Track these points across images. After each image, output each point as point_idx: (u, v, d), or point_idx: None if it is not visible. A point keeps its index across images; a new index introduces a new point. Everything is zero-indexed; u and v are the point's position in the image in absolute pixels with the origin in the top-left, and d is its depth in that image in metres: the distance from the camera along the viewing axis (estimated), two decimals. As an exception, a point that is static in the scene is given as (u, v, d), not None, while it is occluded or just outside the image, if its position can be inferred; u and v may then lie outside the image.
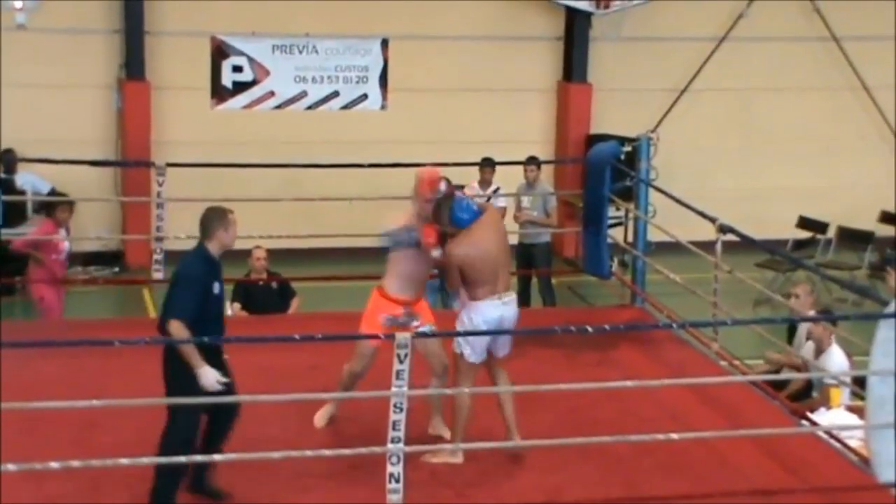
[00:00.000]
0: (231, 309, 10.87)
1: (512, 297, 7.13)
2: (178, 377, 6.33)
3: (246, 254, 11.01)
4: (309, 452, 6.28)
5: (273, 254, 11.18)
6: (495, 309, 6.99)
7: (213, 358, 6.39)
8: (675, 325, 7.47)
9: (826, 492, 6.94)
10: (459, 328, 6.98)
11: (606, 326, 7.07)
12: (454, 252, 6.99)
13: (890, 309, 6.41)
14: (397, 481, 6.01)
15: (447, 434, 7.17)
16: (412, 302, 7.28)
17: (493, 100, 15.66)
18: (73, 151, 12.49)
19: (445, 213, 7.12)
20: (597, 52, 15.92)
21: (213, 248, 6.55)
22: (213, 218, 6.59)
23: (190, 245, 11.38)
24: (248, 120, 15.21)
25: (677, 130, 15.22)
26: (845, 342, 8.84)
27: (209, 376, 6.21)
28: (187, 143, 14.52)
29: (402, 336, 5.93)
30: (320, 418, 7.55)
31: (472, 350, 6.95)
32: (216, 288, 6.49)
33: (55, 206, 10.72)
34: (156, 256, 9.94)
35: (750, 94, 16.27)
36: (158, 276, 9.96)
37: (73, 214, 11.02)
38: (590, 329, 6.78)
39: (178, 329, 6.29)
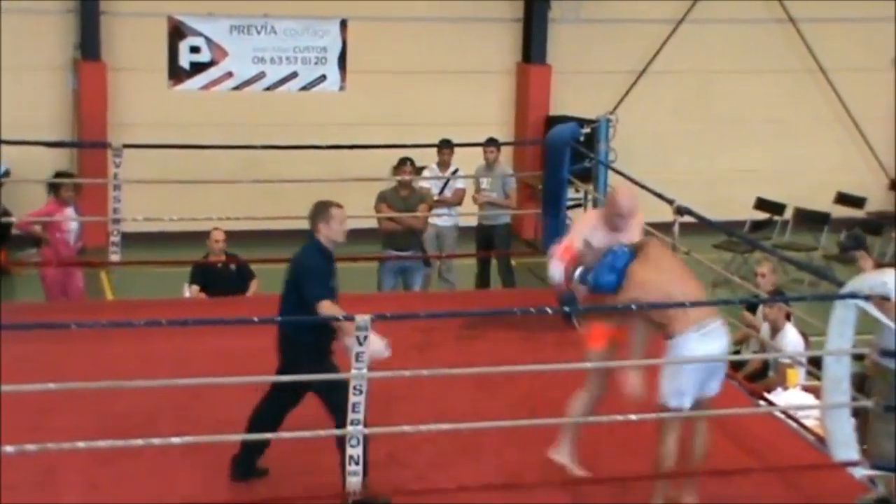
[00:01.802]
0: (189, 291, 10.81)
1: (716, 326, 6.29)
2: (304, 362, 6.30)
3: (204, 235, 10.95)
4: (268, 435, 6.24)
5: (231, 235, 11.12)
6: (697, 343, 6.21)
7: (325, 350, 6.42)
8: (633, 307, 7.41)
9: (783, 471, 7.00)
10: (666, 376, 6.30)
11: (566, 308, 7.01)
12: (633, 280, 6.27)
13: (845, 290, 6.45)
14: (357, 463, 5.99)
15: (573, 469, 6.67)
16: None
17: (451, 81, 15.63)
18: (28, 133, 12.36)
19: (585, 282, 6.39)
20: (556, 33, 15.92)
21: (323, 240, 6.55)
22: (316, 212, 6.59)
23: (147, 227, 11.45)
24: (206, 101, 15.10)
25: (636, 112, 15.26)
26: (801, 322, 8.90)
27: (376, 345, 6.07)
28: (145, 124, 14.40)
29: (361, 318, 5.86)
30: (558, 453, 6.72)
31: (677, 394, 6.26)
32: (331, 282, 6.49)
33: (59, 186, 10.64)
34: (113, 238, 9.84)
35: (708, 77, 16.33)
36: (115, 258, 9.88)
37: (78, 193, 10.96)
38: (549, 310, 6.77)
39: (329, 307, 6.25)
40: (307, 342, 6.46)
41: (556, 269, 6.54)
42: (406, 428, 6.30)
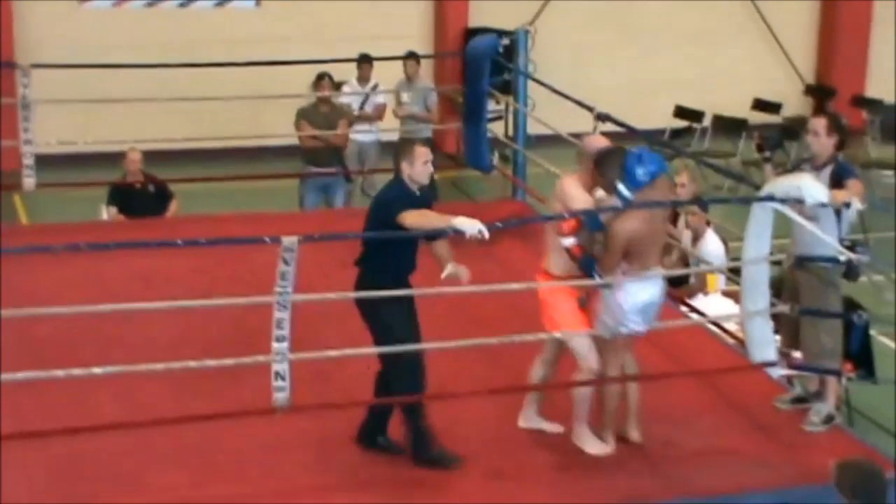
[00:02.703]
0: (107, 213, 10.67)
1: (657, 272, 6.34)
2: (381, 310, 6.09)
3: (120, 157, 10.78)
4: (192, 363, 6.18)
5: (148, 156, 10.96)
6: (644, 290, 6.24)
7: (406, 302, 6.18)
8: (555, 217, 7.41)
9: (703, 375, 7.13)
10: (606, 311, 6.28)
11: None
12: (620, 229, 6.11)
13: (760, 194, 6.53)
14: (283, 379, 5.98)
15: (547, 427, 6.63)
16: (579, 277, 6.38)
17: (369, -5, 15.45)
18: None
19: (614, 170, 6.17)
20: (473, -56, 15.78)
21: (406, 180, 6.16)
22: (400, 150, 6.21)
23: (62, 149, 11.24)
24: (118, 19, 14.76)
25: (554, 23, 15.21)
26: (720, 228, 9.02)
27: (466, 224, 5.77)
28: (54, 46, 14.00)
29: (288, 240, 5.80)
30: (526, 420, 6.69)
31: (626, 326, 6.27)
32: None
33: None
34: (26, 161, 9.64)
35: (626, -15, 16.30)
36: (30, 181, 9.68)
37: None
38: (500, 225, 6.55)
39: (412, 217, 5.88)
40: (382, 283, 6.08)
41: (567, 240, 6.22)
42: (331, 353, 6.27)
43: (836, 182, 6.56)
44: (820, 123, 6.73)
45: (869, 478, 4.61)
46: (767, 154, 6.97)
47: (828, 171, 6.64)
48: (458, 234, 5.82)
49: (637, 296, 6.24)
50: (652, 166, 6.22)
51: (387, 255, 6.14)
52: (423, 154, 6.14)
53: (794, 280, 6.80)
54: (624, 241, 6.13)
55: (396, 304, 6.17)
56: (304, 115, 11.53)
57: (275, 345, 5.85)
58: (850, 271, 6.38)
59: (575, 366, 6.44)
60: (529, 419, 6.71)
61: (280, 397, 5.94)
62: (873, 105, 16.09)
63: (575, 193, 6.29)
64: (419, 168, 6.14)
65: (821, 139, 6.71)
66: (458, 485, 6.13)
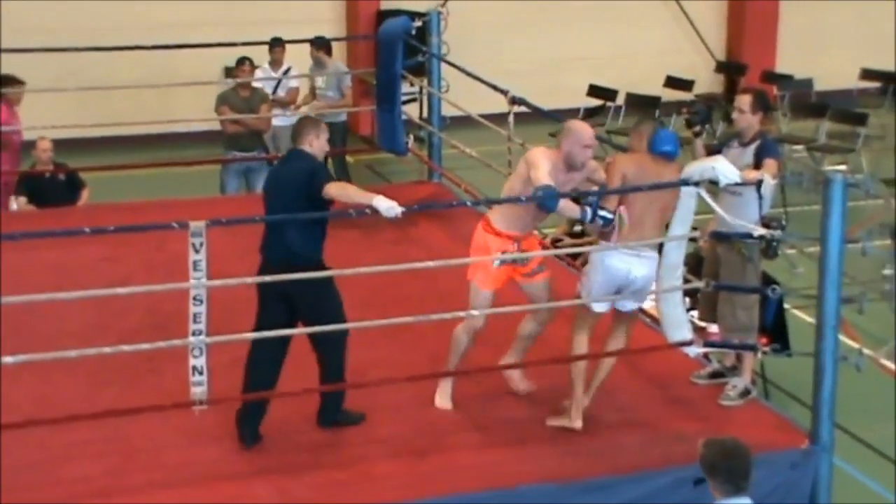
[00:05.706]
0: (16, 203, 10.47)
1: (651, 256, 6.42)
2: (316, 291, 6.06)
3: (30, 145, 10.57)
4: (107, 349, 6.09)
5: (59, 144, 10.76)
6: (623, 262, 6.37)
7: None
8: (481, 202, 7.38)
9: (622, 354, 7.17)
10: (583, 276, 6.52)
11: (415, 206, 6.80)
12: (617, 166, 6.38)
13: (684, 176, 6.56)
14: (201, 374, 5.90)
15: (522, 386, 6.78)
16: (522, 238, 6.53)
17: (281, -22, 15.29)
18: None
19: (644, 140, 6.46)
20: (383, -75, 15.69)
21: (311, 153, 6.20)
22: (310, 124, 6.28)
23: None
24: (29, 5, 14.42)
25: (467, 4, 15.13)
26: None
27: (384, 203, 5.85)
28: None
29: (196, 224, 5.72)
30: (441, 398, 6.69)
31: (588, 294, 6.43)
32: None
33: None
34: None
35: (538, -35, 16.31)
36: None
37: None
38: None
39: (339, 188, 5.99)
40: (317, 258, 6.09)
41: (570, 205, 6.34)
42: (247, 335, 6.21)
43: (759, 159, 6.63)
44: (745, 100, 6.80)
45: (727, 455, 4.47)
46: (697, 129, 7.01)
47: (753, 147, 6.72)
48: (375, 212, 5.91)
49: (594, 271, 6.38)
50: (673, 144, 6.45)
51: (310, 231, 6.08)
52: (326, 128, 6.30)
53: (714, 256, 6.88)
54: (618, 176, 6.32)
55: (327, 286, 6.14)
56: (224, 100, 11.40)
57: (192, 339, 5.78)
58: (769, 248, 6.45)
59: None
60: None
61: (198, 391, 5.87)
62: (783, 80, 16.30)
63: (540, 164, 6.27)
64: (323, 141, 6.25)
65: (746, 116, 6.78)
66: (381, 468, 6.11)
